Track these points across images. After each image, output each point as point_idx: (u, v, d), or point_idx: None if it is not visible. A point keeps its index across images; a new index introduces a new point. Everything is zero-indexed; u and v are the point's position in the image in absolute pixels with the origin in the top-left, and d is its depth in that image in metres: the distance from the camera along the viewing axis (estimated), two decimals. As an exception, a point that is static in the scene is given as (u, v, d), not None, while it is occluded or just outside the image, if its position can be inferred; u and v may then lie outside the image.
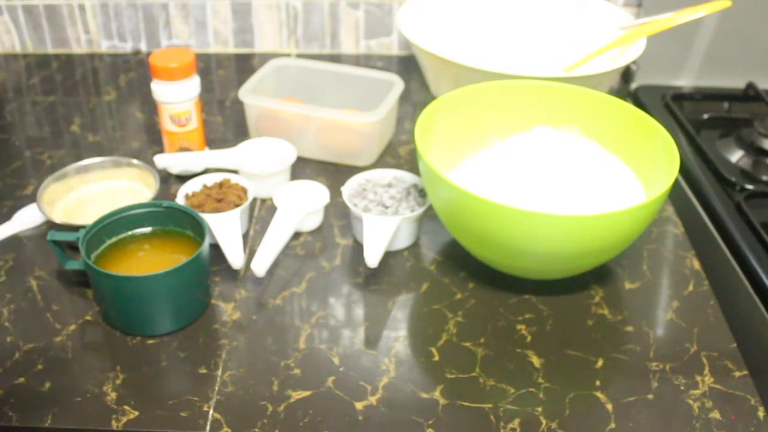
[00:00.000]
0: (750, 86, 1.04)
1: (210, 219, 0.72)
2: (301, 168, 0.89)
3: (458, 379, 0.63)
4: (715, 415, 0.61)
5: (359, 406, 0.61)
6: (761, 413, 0.61)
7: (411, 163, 0.90)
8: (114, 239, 0.69)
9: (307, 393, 0.62)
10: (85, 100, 1.04)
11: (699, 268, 0.76)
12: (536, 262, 0.68)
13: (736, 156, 0.92)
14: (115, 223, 0.69)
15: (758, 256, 0.75)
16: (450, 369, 0.64)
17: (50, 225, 0.76)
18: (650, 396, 0.62)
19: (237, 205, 0.76)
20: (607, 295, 0.72)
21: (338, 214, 0.82)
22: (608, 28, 0.99)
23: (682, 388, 0.63)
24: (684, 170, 0.90)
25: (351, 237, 0.79)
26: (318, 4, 1.12)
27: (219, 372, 0.63)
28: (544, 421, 0.60)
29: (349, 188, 0.79)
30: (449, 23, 1.05)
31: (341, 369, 0.64)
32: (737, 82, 1.05)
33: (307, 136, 0.89)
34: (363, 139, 0.87)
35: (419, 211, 0.75)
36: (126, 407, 0.60)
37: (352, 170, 0.87)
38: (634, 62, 0.90)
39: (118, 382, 0.62)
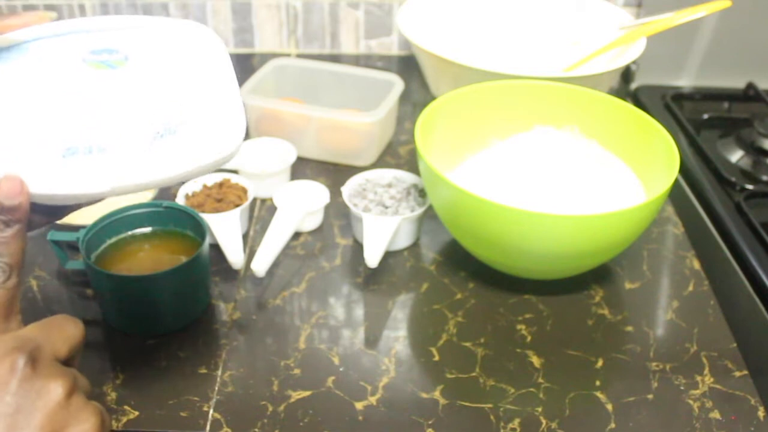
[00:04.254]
0: (750, 86, 1.04)
1: (210, 219, 0.72)
2: (301, 168, 0.89)
3: (458, 379, 0.63)
4: (715, 415, 0.61)
5: (359, 406, 0.61)
6: (761, 413, 0.61)
7: (411, 163, 0.90)
8: (114, 239, 0.69)
9: (307, 393, 0.62)
10: (85, 100, 1.04)
11: (699, 268, 0.76)
12: (536, 262, 0.68)
13: (736, 156, 0.92)
14: (115, 223, 0.69)
15: (758, 256, 0.75)
16: (450, 369, 0.64)
17: (50, 225, 0.75)
18: (650, 396, 0.62)
19: (237, 205, 0.76)
20: (607, 295, 0.72)
21: (338, 214, 0.82)
22: (608, 28, 0.99)
23: (682, 388, 0.63)
24: (684, 170, 0.90)
25: (351, 237, 0.79)
26: (318, 4, 1.12)
27: (219, 372, 0.63)
28: (544, 421, 0.60)
29: (349, 188, 0.79)
30: (449, 23, 1.05)
31: (341, 369, 0.64)
32: (737, 82, 1.05)
33: (307, 136, 0.88)
34: (363, 139, 0.87)
35: (419, 211, 0.75)
36: (126, 407, 0.60)
37: (352, 170, 0.87)
38: (634, 62, 0.90)
39: (118, 382, 0.62)
